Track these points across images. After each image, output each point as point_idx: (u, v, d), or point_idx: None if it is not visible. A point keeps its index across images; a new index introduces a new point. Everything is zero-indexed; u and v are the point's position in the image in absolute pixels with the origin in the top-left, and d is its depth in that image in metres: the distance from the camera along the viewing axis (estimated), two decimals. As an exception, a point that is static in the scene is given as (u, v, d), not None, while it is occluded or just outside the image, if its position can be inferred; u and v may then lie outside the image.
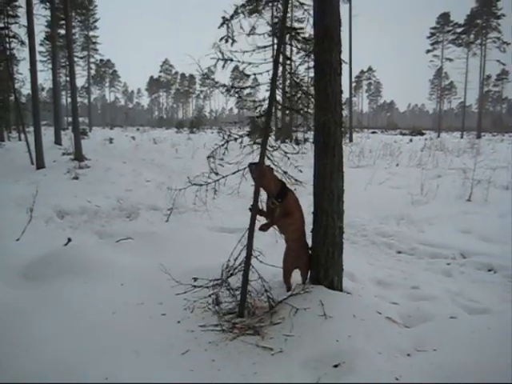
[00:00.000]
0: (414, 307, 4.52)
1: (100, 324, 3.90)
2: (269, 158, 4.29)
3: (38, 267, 5.12)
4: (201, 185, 4.33)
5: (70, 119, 47.88)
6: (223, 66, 4.29)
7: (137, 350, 3.50)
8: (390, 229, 8.09)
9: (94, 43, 65.62)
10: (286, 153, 4.38)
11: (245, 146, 4.32)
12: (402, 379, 3.07)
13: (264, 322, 3.96)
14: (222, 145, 4.31)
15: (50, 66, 36.64)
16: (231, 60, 4.30)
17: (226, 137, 4.27)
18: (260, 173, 4.19)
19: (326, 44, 4.27)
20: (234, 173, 4.26)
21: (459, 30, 64.83)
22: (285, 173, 4.40)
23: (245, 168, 4.24)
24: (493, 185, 11.48)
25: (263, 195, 4.43)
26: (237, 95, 4.59)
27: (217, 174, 4.32)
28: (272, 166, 4.35)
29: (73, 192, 10.81)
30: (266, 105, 4.25)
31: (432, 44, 69.04)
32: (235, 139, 4.30)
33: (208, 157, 4.36)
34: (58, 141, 25.07)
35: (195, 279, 4.57)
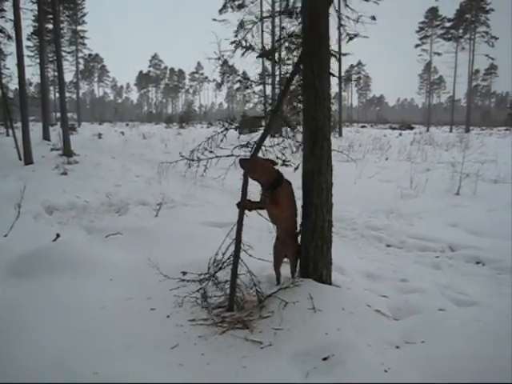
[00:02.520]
0: (403, 300, 4.55)
1: (89, 319, 3.88)
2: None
3: (27, 263, 5.08)
4: (192, 160, 4.34)
5: (58, 114, 47.61)
6: (242, 54, 4.42)
7: (126, 345, 3.48)
8: (379, 222, 8.12)
9: (83, 38, 65.16)
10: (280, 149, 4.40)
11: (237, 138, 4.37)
12: (390, 371, 3.08)
13: (253, 315, 3.96)
14: (222, 132, 4.41)
15: (38, 60, 36.31)
16: (252, 49, 4.40)
17: (226, 125, 4.35)
18: (250, 166, 4.19)
19: (315, 37, 4.25)
20: (227, 156, 4.30)
21: (448, 24, 65.06)
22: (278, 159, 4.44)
23: (238, 156, 4.27)
24: (481, 178, 11.57)
25: (253, 188, 4.44)
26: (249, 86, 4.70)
27: (211, 151, 4.39)
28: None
29: (61, 187, 10.75)
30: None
31: (421, 38, 69.30)
32: (235, 128, 4.40)
33: (208, 138, 4.45)
34: (46, 136, 24.87)
35: (184, 273, 4.57)
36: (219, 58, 4.44)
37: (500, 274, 5.68)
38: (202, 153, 4.38)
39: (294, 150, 4.86)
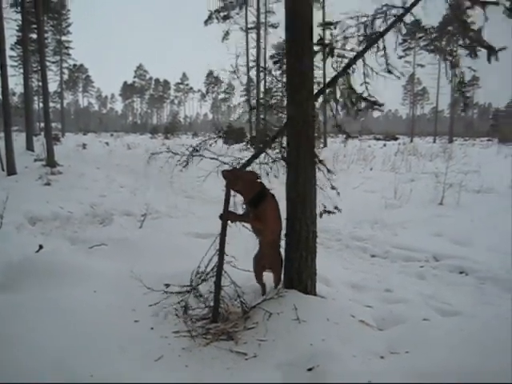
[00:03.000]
0: (388, 310, 4.56)
1: (71, 332, 3.83)
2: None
3: (8, 274, 5.02)
4: (176, 153, 4.38)
5: (42, 125, 47.23)
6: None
7: (108, 357, 3.45)
8: (364, 233, 8.15)
9: (67, 48, 64.74)
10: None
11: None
12: (375, 382, 3.08)
13: (238, 327, 3.95)
14: (214, 138, 4.59)
15: (22, 70, 36.05)
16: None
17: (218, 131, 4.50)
18: (233, 178, 4.19)
19: (297, 48, 4.28)
20: (211, 158, 4.40)
21: (431, 36, 65.81)
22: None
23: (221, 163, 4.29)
24: (464, 189, 11.67)
25: (237, 198, 4.44)
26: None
27: (197, 150, 4.51)
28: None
29: (45, 198, 10.65)
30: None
31: (404, 50, 69.95)
32: (222, 136, 4.49)
33: (201, 143, 4.56)
34: (29, 146, 24.62)
35: (167, 285, 4.54)
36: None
37: (483, 284, 5.73)
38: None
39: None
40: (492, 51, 3.41)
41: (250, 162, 4.29)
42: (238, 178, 4.23)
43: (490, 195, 11.58)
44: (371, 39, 4.67)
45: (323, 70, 41.47)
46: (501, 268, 6.08)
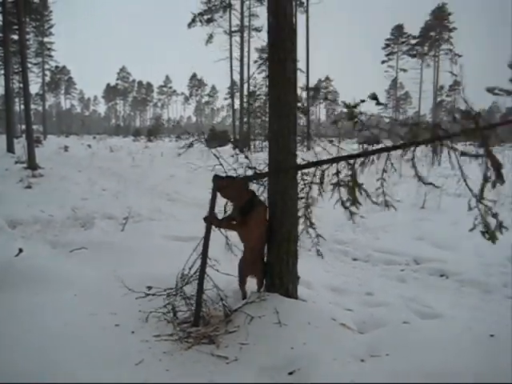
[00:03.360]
0: (369, 313, 4.59)
1: (51, 336, 3.80)
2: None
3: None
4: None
5: (23, 127, 46.79)
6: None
7: (88, 361, 3.42)
8: (345, 236, 8.19)
9: (49, 49, 64.26)
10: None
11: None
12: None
13: (219, 330, 3.95)
14: (200, 140, 4.65)
15: (3, 71, 35.67)
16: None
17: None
18: (224, 186, 4.19)
19: (280, 52, 4.29)
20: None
21: (413, 41, 66.56)
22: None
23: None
24: (445, 193, 11.76)
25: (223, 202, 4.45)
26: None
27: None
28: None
29: (25, 201, 10.54)
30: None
31: (387, 55, 70.59)
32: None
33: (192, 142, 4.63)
34: (10, 149, 24.35)
35: (149, 288, 4.52)
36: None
37: (463, 287, 5.79)
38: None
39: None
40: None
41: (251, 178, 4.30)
42: (229, 185, 4.23)
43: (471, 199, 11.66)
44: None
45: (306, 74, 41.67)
46: (480, 271, 6.16)
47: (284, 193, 4.34)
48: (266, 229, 4.43)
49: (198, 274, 4.15)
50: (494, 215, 3.41)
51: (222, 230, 4.51)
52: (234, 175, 4.36)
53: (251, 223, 4.32)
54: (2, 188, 12.68)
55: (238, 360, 3.50)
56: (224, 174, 4.32)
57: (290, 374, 3.30)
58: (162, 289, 4.38)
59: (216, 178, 4.23)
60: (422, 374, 3.11)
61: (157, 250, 6.24)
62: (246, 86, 41.00)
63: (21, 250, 6.19)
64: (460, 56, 61.31)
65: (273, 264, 4.42)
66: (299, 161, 4.51)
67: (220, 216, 4.47)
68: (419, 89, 66.40)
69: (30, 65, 55.39)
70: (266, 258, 4.52)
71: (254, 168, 4.44)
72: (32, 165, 17.35)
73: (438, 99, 75.02)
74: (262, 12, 40.40)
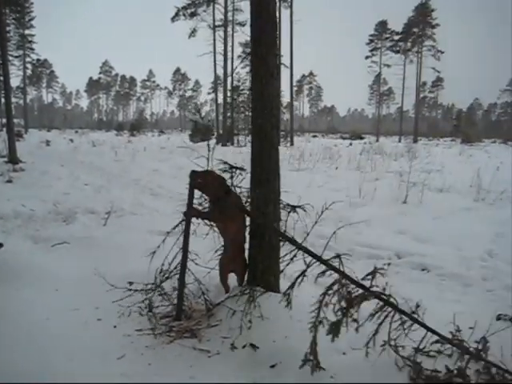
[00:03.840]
0: (350, 307, 4.60)
1: (32, 330, 3.78)
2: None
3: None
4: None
5: (3, 120, 46.22)
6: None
7: (70, 356, 3.41)
8: (328, 231, 8.20)
9: (30, 42, 63.59)
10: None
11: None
12: (336, 377, 3.13)
13: (201, 324, 3.96)
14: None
15: (-17, 64, 35.25)
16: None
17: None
18: (200, 180, 4.20)
19: (262, 47, 4.29)
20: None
21: (397, 37, 66.98)
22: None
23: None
24: (427, 187, 11.89)
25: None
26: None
27: None
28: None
29: (6, 196, 10.42)
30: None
31: (371, 50, 70.96)
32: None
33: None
34: (-10, 143, 24.15)
35: (131, 283, 4.51)
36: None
37: (444, 281, 5.84)
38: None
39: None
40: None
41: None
42: (204, 180, 4.23)
43: (452, 194, 11.82)
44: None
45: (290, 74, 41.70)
46: (460, 264, 6.23)
47: (267, 185, 4.35)
48: (244, 221, 4.44)
49: (178, 268, 4.15)
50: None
51: (206, 221, 4.52)
52: (209, 169, 4.38)
53: (228, 215, 4.33)
54: (-18, 182, 12.56)
55: (219, 354, 3.52)
56: (200, 169, 4.33)
57: (272, 367, 3.32)
58: (145, 283, 4.37)
59: (193, 173, 4.24)
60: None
61: (139, 244, 6.21)
62: (229, 80, 41.14)
63: (1, 245, 6.13)
64: (443, 52, 61.90)
65: (255, 258, 4.42)
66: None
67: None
68: (402, 85, 66.93)
69: (10, 57, 54.71)
70: (247, 251, 4.53)
71: (227, 163, 4.45)
72: (13, 159, 17.18)
73: (421, 95, 75.75)
74: (245, 6, 40.41)
